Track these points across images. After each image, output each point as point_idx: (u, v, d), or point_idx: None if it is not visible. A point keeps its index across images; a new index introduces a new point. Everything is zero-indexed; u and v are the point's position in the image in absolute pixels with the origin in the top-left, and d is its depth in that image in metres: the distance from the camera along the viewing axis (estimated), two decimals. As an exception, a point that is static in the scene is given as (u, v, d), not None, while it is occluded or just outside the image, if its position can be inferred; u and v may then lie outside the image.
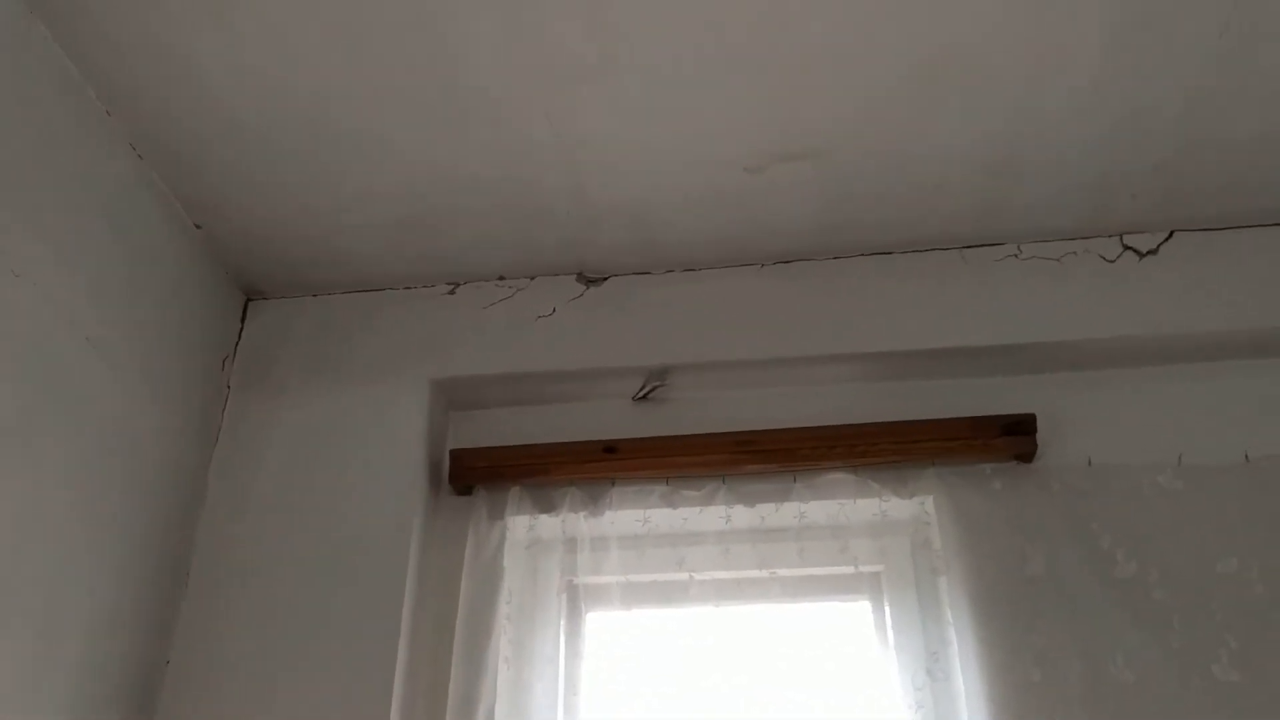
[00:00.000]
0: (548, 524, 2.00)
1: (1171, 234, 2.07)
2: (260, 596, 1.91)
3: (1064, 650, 1.76)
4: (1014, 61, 1.73)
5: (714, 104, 1.81)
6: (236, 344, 2.22)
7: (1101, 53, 1.72)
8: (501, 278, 2.21)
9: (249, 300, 2.27)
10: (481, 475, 2.04)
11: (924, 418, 1.96)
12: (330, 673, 1.83)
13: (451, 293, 2.22)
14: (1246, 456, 1.90)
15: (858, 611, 2.01)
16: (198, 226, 2.08)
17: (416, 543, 1.95)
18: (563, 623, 1.97)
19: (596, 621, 2.02)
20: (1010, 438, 1.92)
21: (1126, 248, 2.07)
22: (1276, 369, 1.99)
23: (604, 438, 2.04)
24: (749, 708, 1.91)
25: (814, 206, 2.03)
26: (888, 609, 1.94)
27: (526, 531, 2.01)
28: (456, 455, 2.06)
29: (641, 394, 2.12)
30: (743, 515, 1.97)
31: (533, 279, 2.21)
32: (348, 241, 2.13)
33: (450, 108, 1.83)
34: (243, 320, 2.25)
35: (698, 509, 1.98)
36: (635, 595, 1.98)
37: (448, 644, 1.89)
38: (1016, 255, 2.09)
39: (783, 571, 1.97)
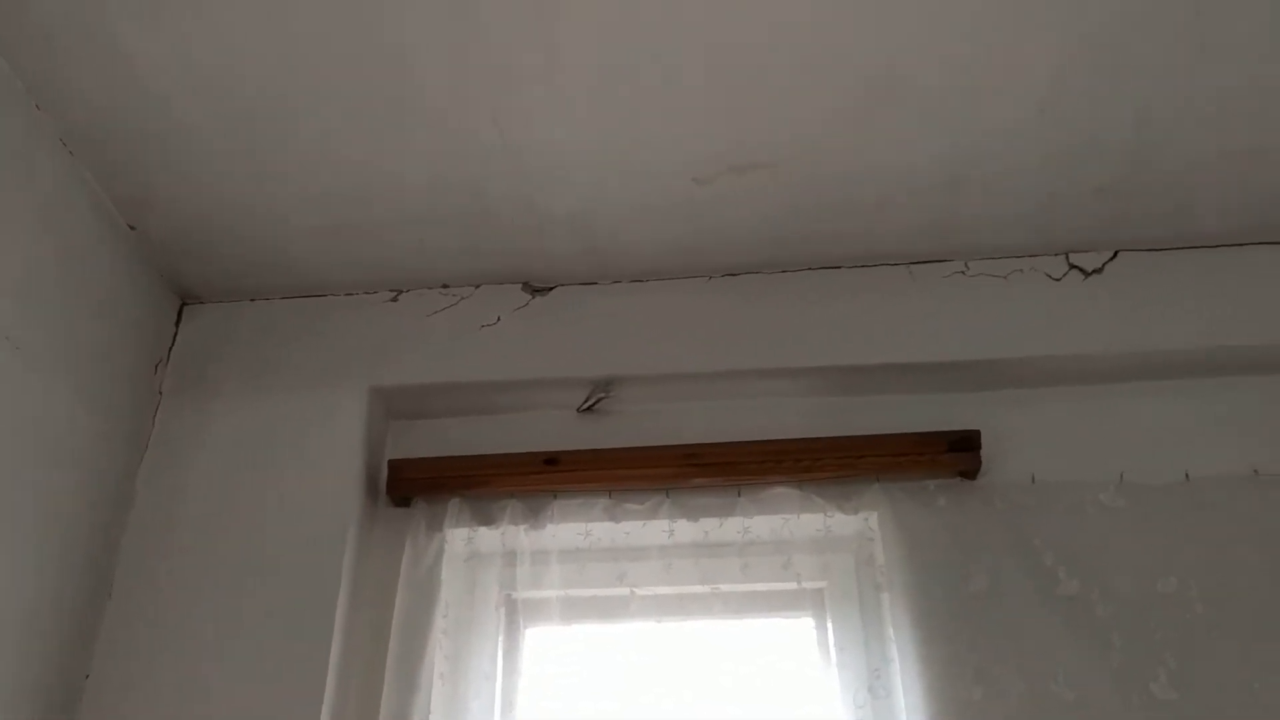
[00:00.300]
0: (487, 537, 1.96)
1: (1116, 254, 2.08)
2: (187, 608, 1.85)
3: (1005, 668, 1.74)
4: (964, 81, 1.73)
5: (663, 113, 1.79)
6: (170, 348, 2.16)
7: (1049, 75, 1.72)
8: (445, 285, 2.17)
9: (184, 304, 2.21)
10: (420, 486, 1.99)
11: (869, 433, 1.95)
12: (258, 688, 1.77)
13: (394, 300, 2.18)
14: (1187, 476, 1.90)
15: (801, 628, 1.99)
16: (131, 227, 2.02)
17: (351, 554, 1.90)
18: (501, 638, 1.94)
19: (535, 637, 1.99)
20: (955, 454, 1.92)
21: (1072, 266, 2.08)
22: (1216, 389, 2.00)
23: (547, 449, 2.00)
24: (690, 726, 1.88)
25: (763, 219, 2.02)
26: (830, 626, 1.92)
27: (465, 544, 1.97)
28: (395, 465, 2.02)
29: (586, 405, 2.09)
30: (686, 530, 1.95)
31: (477, 287, 2.17)
32: (288, 246, 2.08)
33: (395, 112, 1.79)
34: (177, 324, 2.19)
35: (641, 523, 1.95)
36: (575, 610, 1.95)
37: (381, 659, 1.84)
38: (964, 272, 2.09)
39: (725, 587, 1.94)
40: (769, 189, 1.94)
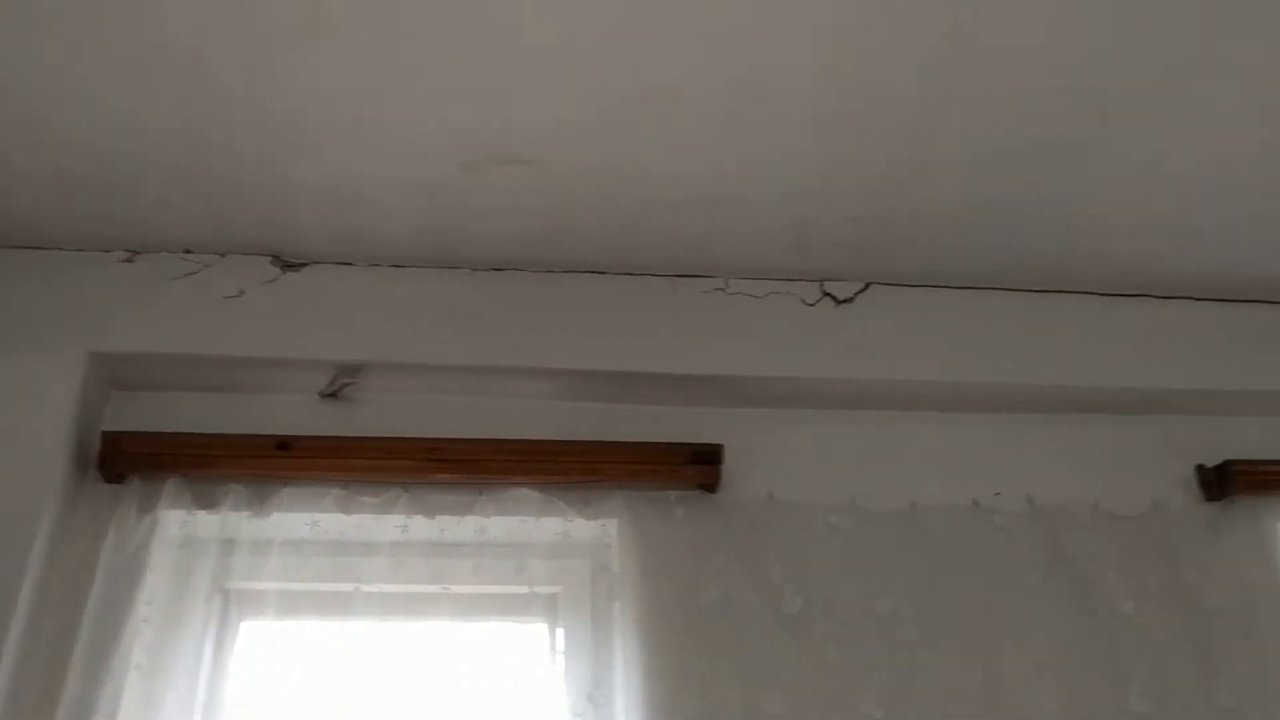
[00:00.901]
0: (206, 522, 1.84)
1: (868, 285, 2.16)
2: None
3: (725, 681, 1.77)
4: (727, 101, 1.74)
5: (429, 93, 1.71)
6: None
7: (810, 104, 1.75)
8: (188, 251, 2.03)
9: (-119, 246, 1.98)
10: (136, 462, 1.85)
11: (616, 440, 1.94)
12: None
13: (129, 261, 2.01)
14: (912, 504, 1.99)
15: (533, 633, 1.95)
16: None
17: (47, 532, 1.74)
18: (211, 631, 1.82)
19: (250, 631, 1.87)
20: (697, 466, 1.93)
21: (826, 294, 2.14)
22: (946, 423, 2.11)
23: (281, 433, 1.89)
24: (408, 730, 1.81)
25: (530, 215, 1.98)
26: (560, 632, 1.90)
27: (180, 528, 1.84)
28: (109, 438, 1.86)
29: (330, 390, 1.99)
30: (421, 527, 1.88)
31: (223, 256, 2.03)
32: (10, 190, 1.89)
33: (141, 57, 1.64)
34: None
35: (373, 517, 1.87)
36: (294, 605, 1.85)
37: (71, 647, 1.68)
38: (724, 289, 2.12)
39: (457, 588, 1.88)
40: (537, 185, 1.90)
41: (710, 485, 1.94)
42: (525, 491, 1.90)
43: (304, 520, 1.86)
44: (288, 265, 2.05)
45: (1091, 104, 1.77)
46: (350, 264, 2.06)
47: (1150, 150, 1.87)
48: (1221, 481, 2.07)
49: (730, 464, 1.95)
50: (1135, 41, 1.64)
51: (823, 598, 1.87)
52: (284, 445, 1.87)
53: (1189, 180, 1.94)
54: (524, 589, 1.89)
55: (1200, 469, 2.10)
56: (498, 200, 1.93)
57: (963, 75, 1.70)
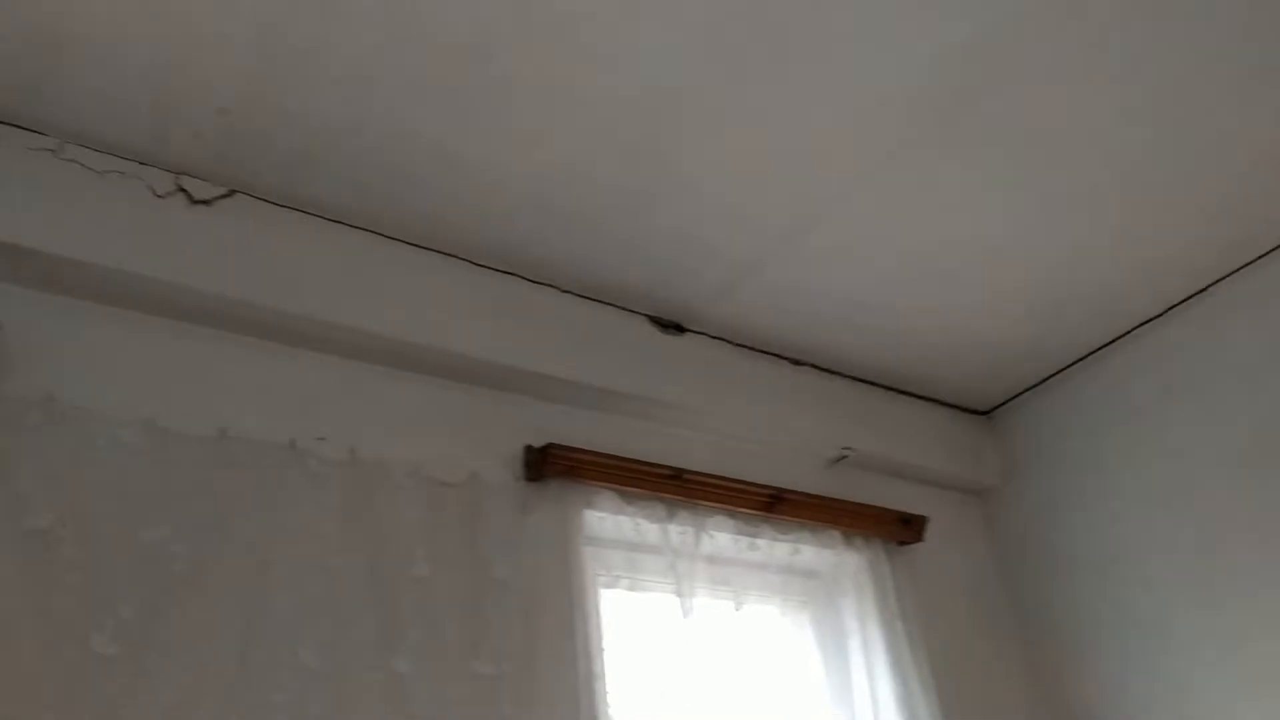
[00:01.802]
0: None
1: (232, 193, 1.97)
2: None
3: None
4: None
5: None
6: None
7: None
8: None
9: None
10: None
11: None
12: None
13: None
14: (222, 432, 1.83)
15: None
16: None
17: None
18: None
19: None
20: (-46, 348, 1.61)
21: (181, 189, 1.92)
22: (278, 355, 1.98)
23: None
24: None
25: None
26: None
27: None
28: None
29: None
30: None
31: None
32: None
33: None
34: None
35: None
36: None
37: None
38: (54, 151, 1.82)
39: None
40: None
41: (-28, 370, 1.63)
42: None
43: None
44: None
45: (486, 58, 1.75)
46: None
47: (530, 130, 1.90)
48: (541, 463, 2.14)
49: (5, 352, 1.65)
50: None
51: (84, 516, 1.65)
52: None
53: (555, 168, 1.99)
54: None
55: (527, 449, 2.17)
56: None
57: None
